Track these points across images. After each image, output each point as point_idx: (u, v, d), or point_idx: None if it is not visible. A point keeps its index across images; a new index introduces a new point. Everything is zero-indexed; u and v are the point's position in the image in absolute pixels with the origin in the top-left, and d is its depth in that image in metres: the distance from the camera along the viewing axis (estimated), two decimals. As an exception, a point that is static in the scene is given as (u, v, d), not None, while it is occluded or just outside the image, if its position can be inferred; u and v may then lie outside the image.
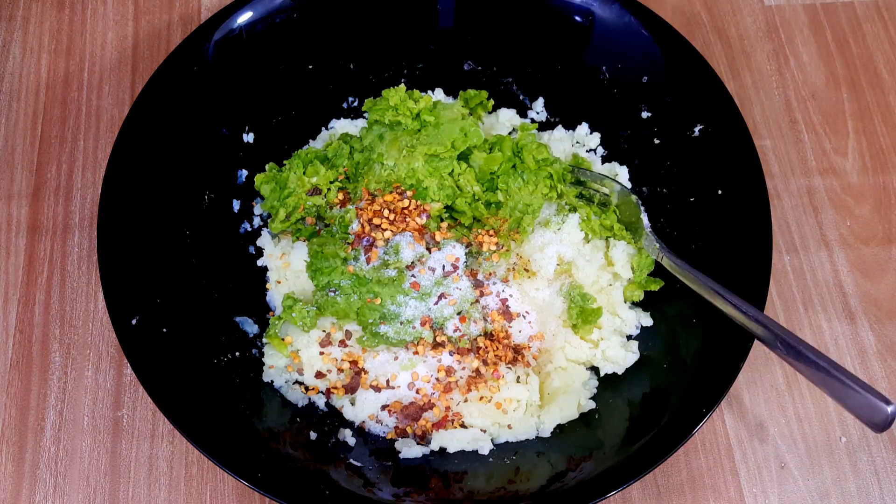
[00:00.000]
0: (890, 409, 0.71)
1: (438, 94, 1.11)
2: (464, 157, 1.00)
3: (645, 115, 1.06)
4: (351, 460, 0.89)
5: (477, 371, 0.92)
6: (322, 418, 0.93)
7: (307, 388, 0.95)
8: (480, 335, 0.95)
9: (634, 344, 0.96)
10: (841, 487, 0.94)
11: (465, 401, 0.92)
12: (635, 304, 1.00)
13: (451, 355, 0.93)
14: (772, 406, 0.98)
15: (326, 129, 1.11)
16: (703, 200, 0.99)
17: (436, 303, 0.93)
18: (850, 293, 1.05)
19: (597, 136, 1.10)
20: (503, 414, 0.92)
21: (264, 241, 1.02)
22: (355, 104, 1.12)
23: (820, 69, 1.20)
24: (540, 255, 0.97)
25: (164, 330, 0.89)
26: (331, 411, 0.94)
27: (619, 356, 0.94)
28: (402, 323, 0.92)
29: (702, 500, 0.93)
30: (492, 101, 1.10)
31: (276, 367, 0.95)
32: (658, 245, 0.95)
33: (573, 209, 1.01)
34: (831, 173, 1.12)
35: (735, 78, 1.19)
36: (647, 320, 0.98)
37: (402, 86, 1.02)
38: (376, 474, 0.88)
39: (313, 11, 1.06)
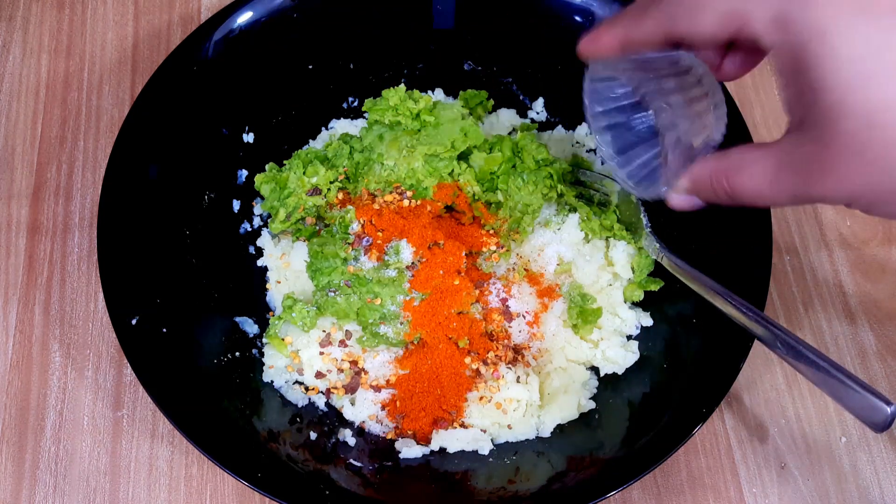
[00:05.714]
0: (890, 409, 0.71)
1: (438, 94, 1.11)
2: (464, 157, 1.00)
3: (645, 115, 1.06)
4: (351, 460, 0.89)
5: (477, 371, 0.92)
6: (322, 418, 0.93)
7: (307, 388, 0.95)
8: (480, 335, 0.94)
9: (634, 344, 0.96)
10: (841, 487, 0.94)
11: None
12: (635, 304, 1.00)
13: (451, 355, 0.93)
14: (772, 406, 0.98)
15: (326, 129, 1.11)
16: (703, 200, 0.99)
17: (436, 303, 0.93)
18: (850, 293, 1.05)
19: (597, 137, 1.10)
20: (503, 414, 0.92)
21: (264, 241, 1.02)
22: (355, 104, 1.12)
23: (820, 69, 1.20)
24: (540, 255, 0.97)
25: (164, 330, 0.89)
26: (331, 411, 0.94)
27: (619, 356, 0.94)
28: (402, 323, 0.92)
29: (702, 500, 0.93)
30: (492, 101, 1.10)
31: (276, 367, 0.95)
32: (658, 245, 0.95)
33: (573, 209, 1.00)
34: (831, 173, 1.12)
35: (735, 78, 1.18)
36: (647, 320, 0.98)
37: (402, 86, 1.02)
38: (376, 474, 0.88)
39: (313, 11, 1.06)
